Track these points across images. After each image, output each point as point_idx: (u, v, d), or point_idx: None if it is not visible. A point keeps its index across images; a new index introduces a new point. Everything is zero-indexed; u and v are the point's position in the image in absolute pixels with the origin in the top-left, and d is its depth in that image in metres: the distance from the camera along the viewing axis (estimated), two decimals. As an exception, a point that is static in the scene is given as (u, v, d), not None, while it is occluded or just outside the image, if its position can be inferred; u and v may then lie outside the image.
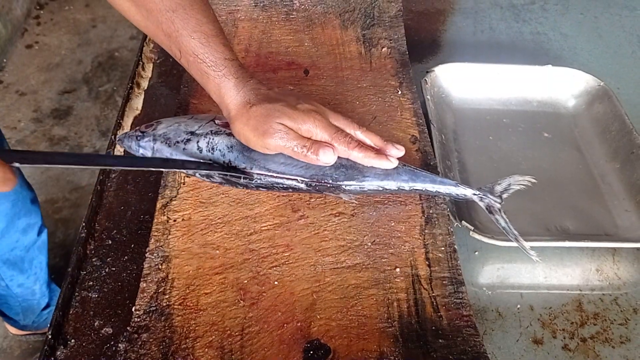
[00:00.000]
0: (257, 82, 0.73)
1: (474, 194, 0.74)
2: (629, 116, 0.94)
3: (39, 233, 1.41)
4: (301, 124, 0.70)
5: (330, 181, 0.73)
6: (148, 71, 1.02)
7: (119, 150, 0.88)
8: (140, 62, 1.02)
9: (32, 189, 1.38)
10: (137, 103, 0.96)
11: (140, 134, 0.77)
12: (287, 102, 0.71)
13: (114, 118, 2.38)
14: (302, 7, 1.08)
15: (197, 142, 0.74)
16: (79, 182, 2.13)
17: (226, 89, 0.72)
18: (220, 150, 0.73)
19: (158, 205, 0.76)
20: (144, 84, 1.00)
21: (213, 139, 0.74)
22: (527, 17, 1.25)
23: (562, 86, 1.03)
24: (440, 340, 0.65)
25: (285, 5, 1.07)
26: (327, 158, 0.70)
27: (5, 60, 2.62)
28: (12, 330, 1.69)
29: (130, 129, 0.89)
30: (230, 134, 0.74)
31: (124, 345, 0.64)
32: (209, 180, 0.76)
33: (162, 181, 0.79)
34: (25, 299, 1.49)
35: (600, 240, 0.82)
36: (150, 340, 0.63)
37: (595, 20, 1.26)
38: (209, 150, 0.74)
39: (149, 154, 0.76)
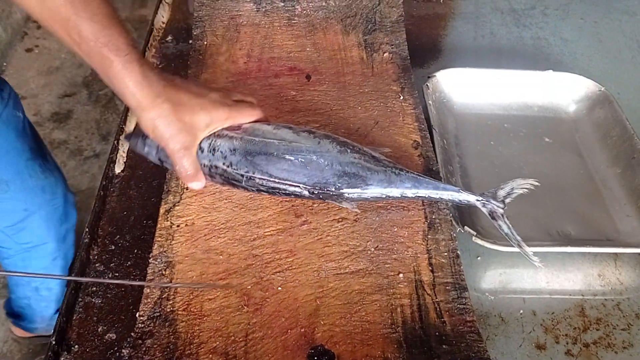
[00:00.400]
0: (160, 72, 0.71)
1: (477, 200, 0.75)
2: (629, 121, 0.94)
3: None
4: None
5: (333, 189, 0.73)
6: (150, 76, 1.02)
7: (121, 155, 0.88)
8: (143, 67, 1.02)
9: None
10: (140, 108, 0.96)
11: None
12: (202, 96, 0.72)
13: (114, 122, 2.39)
14: (304, 12, 1.08)
15: (200, 143, 0.73)
16: (79, 186, 2.13)
17: (131, 75, 0.67)
18: (221, 152, 0.73)
19: (161, 211, 0.76)
20: (146, 89, 1.00)
21: (215, 140, 0.74)
22: (527, 22, 1.26)
23: (563, 91, 1.03)
24: (444, 346, 0.65)
25: (287, 10, 1.08)
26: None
27: (5, 64, 2.62)
28: (19, 332, 1.68)
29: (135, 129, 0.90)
30: (232, 137, 0.74)
31: (127, 351, 0.64)
32: (210, 180, 0.75)
33: (165, 186, 0.79)
34: (49, 303, 1.48)
35: (602, 246, 0.82)
36: (154, 346, 0.63)
37: (596, 26, 1.26)
38: (210, 151, 0.73)
39: (153, 152, 0.76)
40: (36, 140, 1.21)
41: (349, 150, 0.74)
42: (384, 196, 0.74)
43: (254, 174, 0.73)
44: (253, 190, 0.75)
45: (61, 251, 1.34)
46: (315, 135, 0.75)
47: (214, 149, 0.73)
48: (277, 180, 0.73)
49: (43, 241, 1.28)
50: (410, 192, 0.74)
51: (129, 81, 0.66)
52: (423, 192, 0.74)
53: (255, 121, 0.76)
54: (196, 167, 0.72)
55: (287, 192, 0.73)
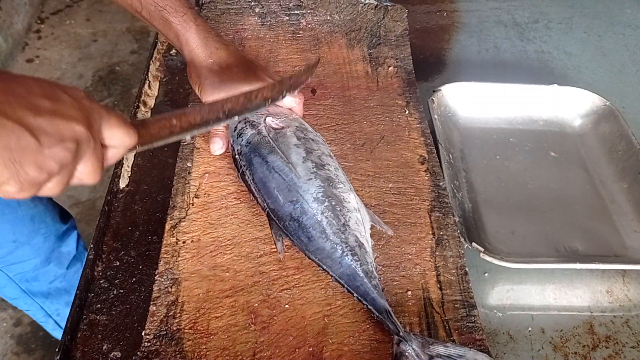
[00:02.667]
0: (217, 36, 0.81)
1: (397, 336, 0.64)
2: (635, 136, 0.94)
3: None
4: None
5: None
6: (154, 89, 1.02)
7: (126, 170, 0.88)
8: (147, 81, 1.02)
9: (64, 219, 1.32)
10: (144, 122, 0.96)
11: None
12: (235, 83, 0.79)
13: (115, 133, 2.39)
14: (309, 26, 1.08)
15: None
16: (79, 197, 2.12)
17: (187, 35, 0.76)
18: (243, 140, 0.79)
19: (167, 227, 0.75)
20: (150, 102, 1.00)
21: (245, 127, 0.80)
22: (531, 36, 1.26)
23: (568, 105, 1.03)
24: (453, 365, 0.64)
25: (292, 24, 1.08)
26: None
27: (5, 75, 2.62)
28: None
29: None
30: (260, 132, 0.78)
31: (134, 371, 0.63)
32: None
33: (170, 202, 0.79)
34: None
35: (610, 262, 0.82)
36: (161, 365, 0.63)
37: (599, 39, 1.26)
38: (237, 134, 0.80)
39: None
40: None
41: (329, 209, 0.71)
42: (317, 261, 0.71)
43: (248, 171, 0.76)
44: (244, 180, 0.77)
45: (65, 277, 1.32)
46: (317, 176, 0.73)
47: (240, 134, 0.79)
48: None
49: (34, 269, 1.25)
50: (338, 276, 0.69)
51: (184, 41, 0.78)
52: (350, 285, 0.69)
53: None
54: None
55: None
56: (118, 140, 0.54)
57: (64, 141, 0.47)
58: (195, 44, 0.79)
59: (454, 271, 0.73)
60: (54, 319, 1.39)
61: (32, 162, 0.45)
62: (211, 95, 0.80)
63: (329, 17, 1.09)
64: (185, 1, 0.78)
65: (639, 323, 0.77)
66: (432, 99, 0.98)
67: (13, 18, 2.72)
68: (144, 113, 0.97)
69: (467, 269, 0.74)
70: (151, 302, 0.68)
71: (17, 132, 0.43)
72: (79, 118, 0.48)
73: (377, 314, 0.65)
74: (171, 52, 1.11)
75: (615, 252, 0.84)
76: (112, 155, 0.55)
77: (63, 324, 1.33)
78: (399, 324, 0.64)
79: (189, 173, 0.81)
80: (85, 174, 0.51)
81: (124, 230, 0.81)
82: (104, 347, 0.69)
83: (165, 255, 0.72)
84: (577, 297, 0.80)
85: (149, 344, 0.64)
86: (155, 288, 0.69)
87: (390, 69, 1.02)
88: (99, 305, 0.72)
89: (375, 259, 0.71)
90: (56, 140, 0.46)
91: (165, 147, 0.89)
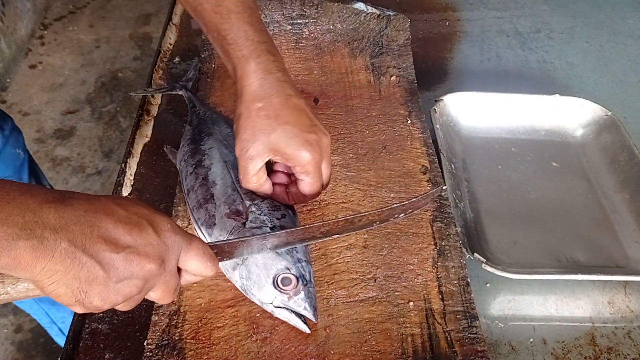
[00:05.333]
0: (281, 78, 0.67)
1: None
2: (637, 146, 0.94)
3: None
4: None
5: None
6: (157, 98, 1.02)
7: (129, 178, 0.88)
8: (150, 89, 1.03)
9: None
10: (147, 130, 0.96)
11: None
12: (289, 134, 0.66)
13: (117, 139, 2.40)
14: (312, 35, 1.08)
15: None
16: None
17: (243, 71, 0.66)
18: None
19: (169, 236, 0.75)
20: (154, 111, 1.00)
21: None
22: (533, 46, 1.26)
23: (570, 115, 1.03)
24: (455, 377, 0.64)
25: (295, 33, 1.08)
26: None
27: (8, 80, 2.63)
28: None
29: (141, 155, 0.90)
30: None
31: (135, 381, 0.63)
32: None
33: (172, 211, 0.79)
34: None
35: (612, 273, 0.82)
36: (163, 375, 0.63)
37: (601, 49, 1.27)
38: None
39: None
40: (35, 177, 1.19)
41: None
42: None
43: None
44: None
45: None
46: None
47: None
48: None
49: None
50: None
51: (240, 77, 0.67)
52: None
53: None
54: (258, 178, 0.68)
55: None
56: (194, 270, 0.55)
57: (132, 278, 0.48)
58: (248, 82, 0.67)
59: (455, 282, 0.73)
60: (58, 325, 1.39)
61: (97, 293, 0.47)
62: (246, 142, 0.67)
63: (331, 27, 1.09)
64: (255, 32, 0.67)
65: (641, 334, 0.77)
66: (435, 109, 0.98)
67: (16, 24, 2.73)
68: (147, 122, 0.97)
69: (468, 279, 0.74)
70: (153, 312, 0.68)
71: (89, 266, 0.46)
72: (153, 256, 0.49)
73: None
74: (174, 61, 1.11)
75: (617, 263, 0.84)
76: (187, 279, 0.56)
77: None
78: None
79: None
80: (156, 298, 0.54)
81: (127, 239, 0.81)
82: (106, 356, 0.69)
83: (167, 265, 0.72)
84: (579, 307, 0.80)
85: (150, 354, 0.64)
86: (157, 297, 0.69)
87: (392, 78, 1.03)
88: (101, 314, 0.72)
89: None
90: (125, 276, 0.48)
91: (168, 156, 0.90)
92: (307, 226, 0.62)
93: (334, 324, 0.68)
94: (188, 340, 0.65)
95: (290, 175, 0.72)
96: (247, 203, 0.71)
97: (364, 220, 0.65)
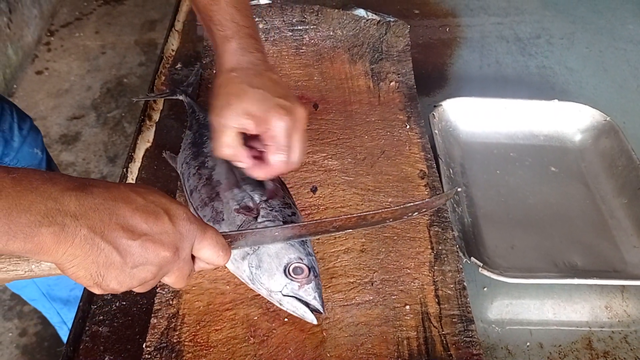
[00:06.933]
0: (260, 57, 0.70)
1: None
2: (635, 151, 0.94)
3: None
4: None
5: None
6: (159, 104, 1.04)
7: (131, 181, 0.89)
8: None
9: None
10: (149, 135, 0.97)
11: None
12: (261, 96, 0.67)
13: (122, 144, 2.41)
14: (312, 41, 1.09)
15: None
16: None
17: (223, 49, 0.70)
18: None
19: (169, 240, 0.76)
20: (156, 116, 1.01)
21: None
22: (532, 51, 1.27)
23: (569, 121, 1.04)
24: (450, 380, 0.65)
25: (295, 39, 1.09)
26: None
27: (15, 86, 2.65)
28: None
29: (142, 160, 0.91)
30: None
31: (134, 382, 0.64)
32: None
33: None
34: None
35: (609, 277, 0.82)
36: (161, 377, 0.63)
37: (601, 55, 1.27)
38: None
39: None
40: None
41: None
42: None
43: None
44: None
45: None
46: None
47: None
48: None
49: (55, 280, 1.27)
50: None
51: (221, 54, 0.70)
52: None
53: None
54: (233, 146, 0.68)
55: None
56: (207, 259, 0.57)
57: (147, 264, 0.51)
58: (227, 59, 0.70)
59: (452, 286, 0.74)
60: (68, 326, 1.40)
61: (114, 277, 0.50)
62: (220, 108, 0.68)
63: (331, 33, 1.10)
64: (241, 16, 0.71)
65: (638, 339, 0.77)
66: (433, 114, 0.99)
67: (23, 30, 2.75)
68: (149, 127, 0.99)
69: (465, 283, 0.74)
70: (152, 315, 0.69)
71: (107, 252, 0.48)
72: (168, 244, 0.51)
73: None
74: (176, 67, 1.12)
75: (615, 267, 0.84)
76: (200, 267, 0.58)
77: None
78: None
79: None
80: (170, 282, 0.56)
81: (127, 243, 0.82)
82: (106, 359, 0.69)
83: (167, 268, 0.73)
84: (576, 312, 0.80)
85: (149, 356, 0.65)
86: (156, 300, 0.70)
87: (392, 84, 1.04)
88: (102, 317, 0.73)
89: None
90: (140, 262, 0.50)
91: (169, 161, 0.91)
92: (320, 220, 0.64)
93: (331, 327, 0.68)
94: (186, 343, 0.66)
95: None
96: (257, 200, 0.72)
97: (377, 217, 0.66)
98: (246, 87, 0.67)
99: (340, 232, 0.66)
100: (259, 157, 0.69)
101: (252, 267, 0.67)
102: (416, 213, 0.69)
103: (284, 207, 0.72)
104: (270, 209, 0.71)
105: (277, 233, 0.63)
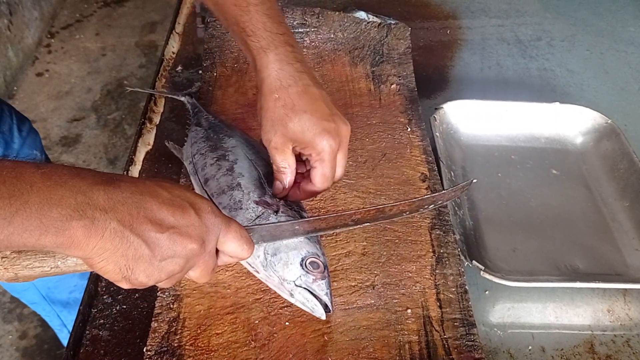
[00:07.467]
0: (300, 68, 0.68)
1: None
2: (637, 154, 0.94)
3: None
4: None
5: None
6: (160, 106, 1.03)
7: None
8: (153, 97, 1.04)
9: None
10: (150, 138, 0.97)
11: None
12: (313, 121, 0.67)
13: (122, 146, 2.41)
14: (313, 44, 1.09)
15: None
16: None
17: (262, 62, 0.67)
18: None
19: (170, 243, 0.76)
20: (156, 119, 1.01)
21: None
22: (533, 54, 1.27)
23: (570, 123, 1.03)
24: (452, 384, 0.64)
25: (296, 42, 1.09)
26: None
27: (15, 88, 2.66)
28: None
29: (143, 163, 0.91)
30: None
31: (135, 387, 0.64)
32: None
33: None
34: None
35: (611, 281, 0.82)
36: (162, 381, 0.63)
37: (602, 57, 1.27)
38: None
39: None
40: None
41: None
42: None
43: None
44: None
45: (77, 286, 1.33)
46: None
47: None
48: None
49: (57, 276, 1.27)
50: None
51: (259, 68, 0.68)
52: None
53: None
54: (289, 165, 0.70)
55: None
56: (231, 252, 0.58)
57: (175, 257, 0.52)
58: (267, 74, 0.68)
59: (453, 289, 0.73)
60: (68, 329, 1.40)
61: (143, 270, 0.50)
62: (268, 133, 0.69)
63: (332, 35, 1.10)
64: (273, 24, 0.68)
65: (640, 342, 0.77)
66: (435, 117, 0.99)
67: (24, 32, 2.75)
68: (149, 129, 0.98)
69: (467, 287, 0.74)
70: (153, 318, 0.68)
71: (136, 245, 0.49)
72: (195, 237, 0.52)
73: None
74: (177, 69, 1.12)
75: (617, 270, 0.84)
76: (225, 260, 0.59)
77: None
78: None
79: (193, 188, 0.82)
80: (194, 277, 0.57)
81: (128, 246, 0.82)
82: (106, 363, 0.69)
83: (167, 272, 0.73)
84: (578, 315, 0.80)
85: (150, 360, 0.65)
86: (157, 304, 0.70)
87: (392, 86, 1.03)
88: (102, 321, 0.73)
89: None
90: (168, 255, 0.51)
91: (170, 163, 0.91)
92: (340, 214, 0.65)
93: (332, 331, 0.68)
94: (187, 347, 0.66)
95: (302, 173, 0.73)
96: (276, 199, 0.73)
97: (394, 210, 0.66)
98: (290, 113, 0.67)
99: (359, 226, 0.67)
100: (302, 175, 0.72)
101: (268, 254, 0.67)
102: (432, 206, 0.70)
103: (300, 210, 0.74)
104: (289, 207, 0.72)
105: (297, 227, 0.64)
